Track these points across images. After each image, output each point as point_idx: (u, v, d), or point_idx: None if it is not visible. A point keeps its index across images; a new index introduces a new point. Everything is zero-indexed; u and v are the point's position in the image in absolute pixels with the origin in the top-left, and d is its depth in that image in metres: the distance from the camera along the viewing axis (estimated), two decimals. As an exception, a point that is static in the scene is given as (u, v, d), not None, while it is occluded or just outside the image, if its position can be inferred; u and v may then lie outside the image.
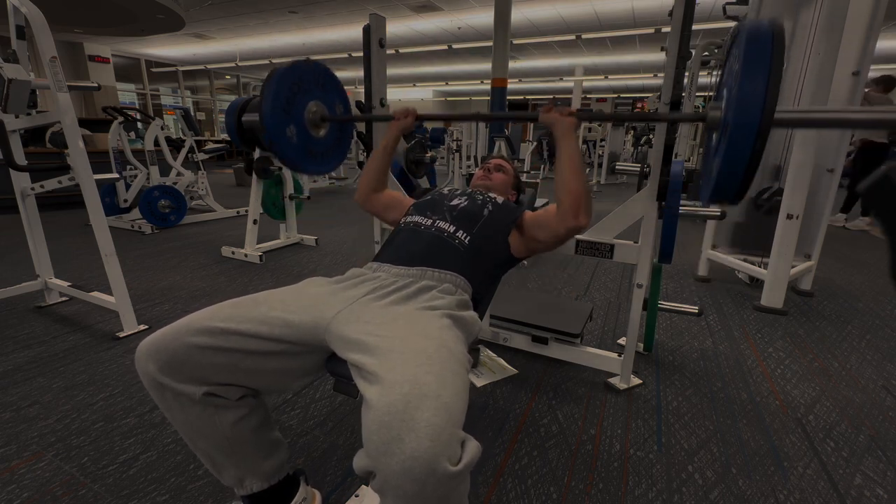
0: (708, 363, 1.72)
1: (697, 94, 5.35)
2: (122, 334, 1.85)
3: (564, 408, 1.42)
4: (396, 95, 17.23)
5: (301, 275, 2.75)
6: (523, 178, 4.32)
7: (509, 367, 1.65)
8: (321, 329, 0.79)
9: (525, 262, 2.92)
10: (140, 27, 7.55)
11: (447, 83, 16.21)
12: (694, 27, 1.14)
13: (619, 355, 1.53)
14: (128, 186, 4.19)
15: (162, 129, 4.10)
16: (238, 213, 4.54)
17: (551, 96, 16.73)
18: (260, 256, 2.98)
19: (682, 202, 1.37)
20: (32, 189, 2.00)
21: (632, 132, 10.09)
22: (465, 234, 1.04)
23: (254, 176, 3.08)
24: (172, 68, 12.48)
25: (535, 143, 7.69)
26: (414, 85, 16.88)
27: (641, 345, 1.76)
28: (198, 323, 0.78)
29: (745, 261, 2.54)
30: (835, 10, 1.93)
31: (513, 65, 11.01)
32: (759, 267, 2.40)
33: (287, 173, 3.33)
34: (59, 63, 1.65)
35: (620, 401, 1.46)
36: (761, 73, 0.75)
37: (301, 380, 0.89)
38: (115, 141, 3.99)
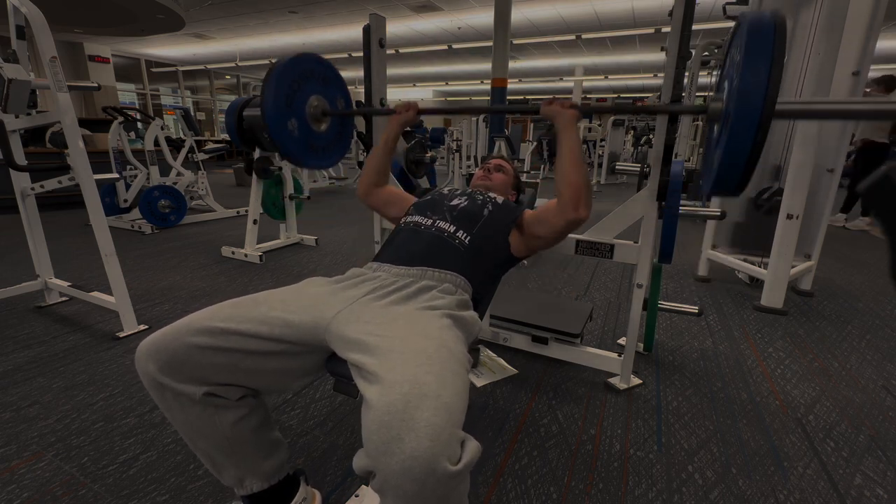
0: (708, 363, 1.72)
1: (697, 94, 5.34)
2: (122, 334, 1.85)
3: (564, 408, 1.42)
4: (396, 95, 17.23)
5: (301, 275, 2.75)
6: (523, 178, 4.32)
7: (509, 367, 1.65)
8: (321, 329, 0.79)
9: (525, 262, 2.92)
10: (140, 27, 7.56)
11: (447, 83, 16.21)
12: (694, 27, 1.14)
13: (619, 355, 1.53)
14: (128, 186, 4.19)
15: (162, 129, 4.10)
16: (238, 213, 4.54)
17: (551, 96, 16.68)
18: (260, 256, 2.98)
19: (682, 202, 1.37)
20: (32, 189, 2.00)
21: (632, 132, 10.09)
22: (465, 234, 1.04)
23: (254, 176, 3.08)
24: (172, 68, 12.48)
25: (535, 143, 7.69)
26: (414, 85, 16.88)
27: (641, 345, 1.76)
28: (198, 323, 0.78)
29: (745, 261, 2.54)
30: (835, 10, 1.93)
31: (513, 65, 11.01)
32: (759, 267, 2.40)
33: (287, 173, 3.33)
34: (59, 63, 1.65)
35: (620, 401, 1.46)
36: (763, 62, 0.75)
37: (301, 380, 0.89)
38: (115, 141, 3.99)
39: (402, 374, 0.63)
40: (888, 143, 4.07)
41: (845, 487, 1.12)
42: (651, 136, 7.56)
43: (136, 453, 1.19)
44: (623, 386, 1.52)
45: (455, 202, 1.14)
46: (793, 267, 2.26)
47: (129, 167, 4.24)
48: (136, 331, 1.89)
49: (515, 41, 9.10)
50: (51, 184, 1.93)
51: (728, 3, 2.97)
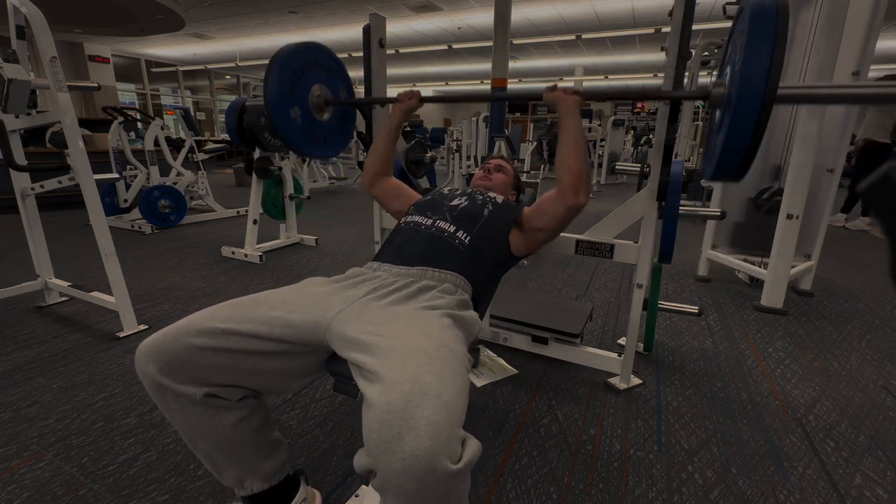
0: (708, 363, 1.72)
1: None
2: (122, 334, 1.85)
3: (564, 408, 1.42)
4: (396, 95, 17.20)
5: (301, 275, 2.75)
6: (523, 178, 4.31)
7: (509, 367, 1.65)
8: (322, 329, 0.79)
9: (525, 262, 2.92)
10: (140, 27, 7.55)
11: (447, 83, 16.22)
12: (694, 27, 1.14)
13: (619, 355, 1.53)
14: (128, 186, 4.19)
15: (162, 129, 4.10)
16: (238, 213, 4.54)
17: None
18: (260, 256, 2.98)
19: (682, 202, 1.37)
20: (32, 189, 2.00)
21: (632, 132, 10.09)
22: (465, 235, 1.04)
23: (254, 176, 3.08)
24: (172, 68, 12.48)
25: (535, 143, 7.69)
26: (414, 85, 16.87)
27: (641, 345, 1.76)
28: (198, 324, 0.77)
29: (745, 261, 2.54)
30: (835, 10, 1.93)
31: (513, 65, 11.02)
32: (759, 267, 2.40)
33: (287, 173, 3.33)
34: (59, 63, 1.65)
35: (620, 401, 1.46)
36: (765, 46, 0.76)
37: (301, 380, 0.89)
38: (115, 141, 3.99)
39: (403, 374, 0.63)
40: (890, 143, 4.06)
41: (845, 487, 1.12)
42: (651, 136, 7.55)
43: (136, 453, 1.19)
44: (623, 386, 1.52)
45: (455, 202, 1.14)
46: (793, 267, 2.26)
47: (129, 167, 4.24)
48: (136, 331, 1.89)
49: (515, 41, 9.10)
50: (51, 184, 1.93)
51: (728, 3, 2.98)
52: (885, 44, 8.00)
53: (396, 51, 10.20)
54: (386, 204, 1.36)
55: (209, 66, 13.01)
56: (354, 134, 1.79)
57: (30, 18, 1.60)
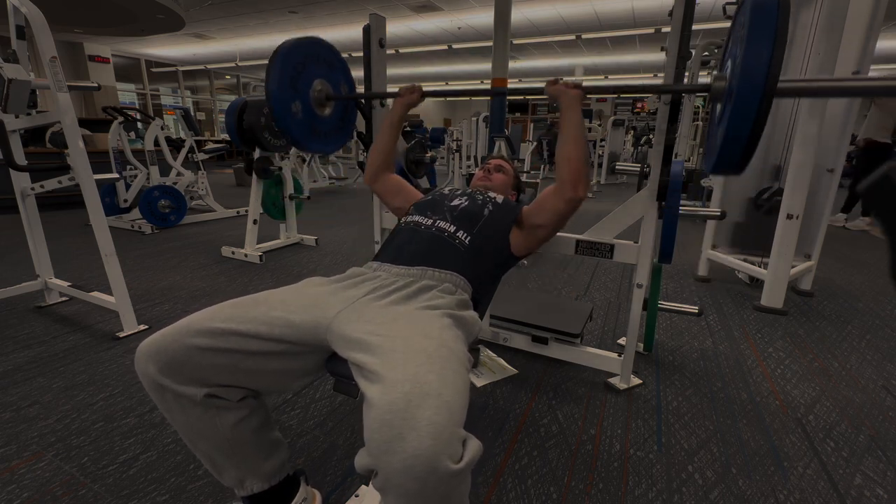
0: (708, 363, 1.72)
1: (697, 94, 5.33)
2: (122, 334, 1.85)
3: (564, 408, 1.42)
4: (396, 95, 17.18)
5: (301, 275, 2.75)
6: (523, 178, 4.31)
7: (509, 367, 1.65)
8: (322, 328, 0.79)
9: (525, 262, 2.92)
10: (140, 27, 7.55)
11: (447, 83, 16.20)
12: (694, 27, 1.14)
13: (619, 355, 1.53)
14: (128, 186, 4.19)
15: (162, 129, 4.10)
16: (238, 213, 4.54)
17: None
18: (260, 256, 2.98)
19: (682, 202, 1.37)
20: (32, 189, 2.00)
21: (632, 132, 10.09)
22: (465, 235, 1.04)
23: (254, 176, 3.08)
24: (172, 68, 12.47)
25: (535, 143, 7.69)
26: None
27: (641, 345, 1.76)
28: (198, 324, 0.77)
29: (745, 261, 2.54)
30: (835, 10, 1.93)
31: (513, 65, 11.01)
32: (759, 267, 2.40)
33: (287, 173, 3.33)
34: (59, 63, 1.65)
35: (620, 401, 1.46)
36: (766, 38, 0.76)
37: (301, 380, 0.89)
38: (115, 141, 3.99)
39: (404, 373, 0.63)
40: (891, 143, 4.06)
41: (845, 487, 1.12)
42: (651, 136, 7.55)
43: (136, 453, 1.19)
44: (623, 386, 1.52)
45: (455, 202, 1.14)
46: (793, 267, 2.26)
47: (129, 167, 4.24)
48: (136, 331, 1.89)
49: (515, 41, 9.09)
50: (51, 184, 1.93)
51: (728, 3, 2.98)
52: (885, 44, 8.00)
53: (396, 51, 10.20)
54: (387, 200, 1.36)
55: (209, 66, 13.00)
56: (354, 134, 1.79)
57: (30, 18, 1.60)
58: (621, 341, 1.79)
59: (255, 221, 3.08)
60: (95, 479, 1.09)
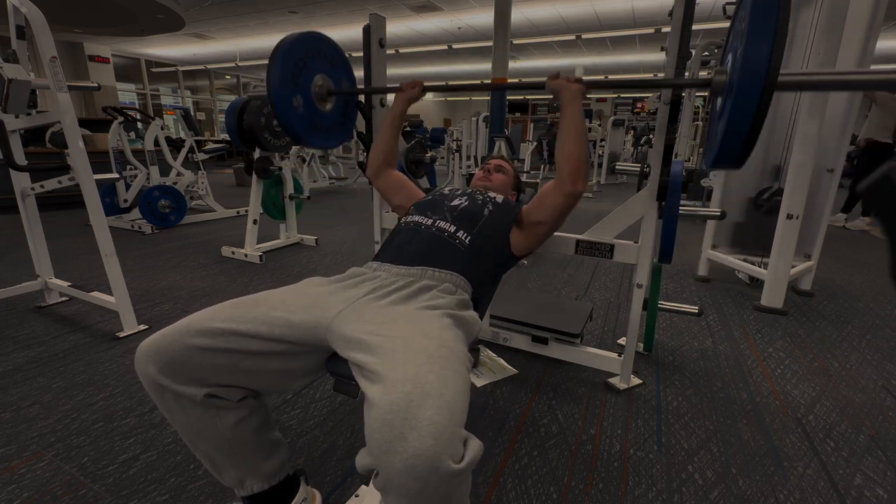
0: (708, 363, 1.72)
1: (697, 94, 5.34)
2: (122, 334, 1.85)
3: (564, 408, 1.42)
4: (396, 95, 17.18)
5: (301, 275, 2.75)
6: (523, 178, 4.31)
7: (509, 367, 1.65)
8: (322, 328, 0.79)
9: (525, 262, 2.92)
10: (140, 27, 7.55)
11: (447, 83, 16.21)
12: (694, 27, 1.14)
13: (619, 355, 1.53)
14: (128, 186, 4.19)
15: (162, 129, 4.10)
16: (238, 213, 4.54)
17: (551, 96, 16.71)
18: (260, 256, 2.98)
19: (682, 202, 1.37)
20: (32, 189, 2.00)
21: (632, 132, 10.09)
22: (465, 235, 1.04)
23: (254, 176, 3.08)
24: (172, 68, 12.47)
25: (535, 143, 7.69)
26: (414, 85, 16.83)
27: (641, 345, 1.76)
28: (198, 324, 0.77)
29: (745, 261, 2.54)
30: (835, 10, 1.93)
31: (513, 65, 11.00)
32: (759, 267, 2.40)
33: (287, 173, 3.33)
34: (59, 63, 1.65)
35: (620, 401, 1.46)
36: (766, 31, 0.77)
37: (301, 380, 0.89)
38: (115, 141, 3.99)
39: (405, 373, 0.63)
40: (892, 143, 4.06)
41: (845, 487, 1.12)
42: (651, 136, 7.55)
43: (136, 453, 1.19)
44: (623, 386, 1.52)
45: (455, 202, 1.14)
46: (793, 267, 2.26)
47: (129, 167, 4.24)
48: (136, 331, 1.89)
49: (515, 41, 9.09)
50: (51, 184, 1.93)
51: (728, 3, 2.98)
52: (885, 44, 8.00)
53: (396, 51, 10.20)
54: (389, 197, 1.37)
55: (209, 66, 13.01)
56: (354, 134, 1.79)
57: (30, 18, 1.60)
58: (621, 341, 1.79)
59: (255, 221, 3.08)
60: (95, 479, 1.09)
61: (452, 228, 1.05)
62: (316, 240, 3.47)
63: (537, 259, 3.05)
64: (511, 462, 1.18)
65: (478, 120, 6.41)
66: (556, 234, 1.39)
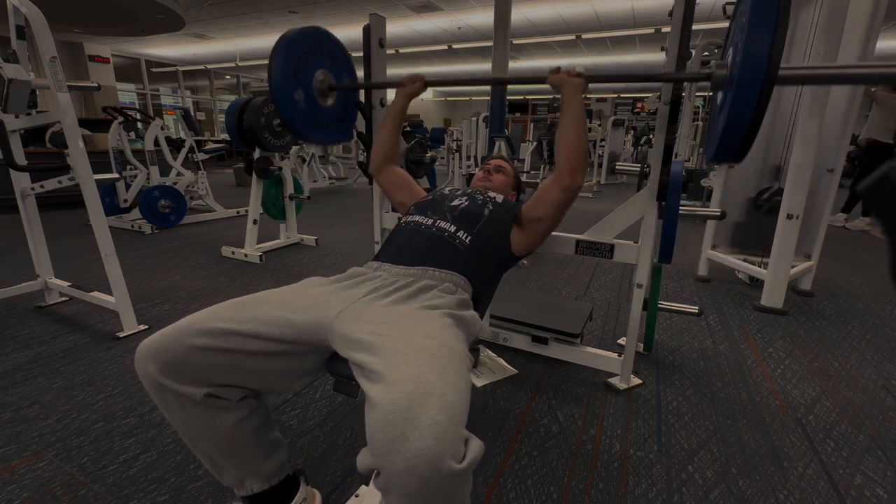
0: (708, 363, 1.72)
1: (697, 94, 5.35)
2: (122, 334, 1.85)
3: (564, 408, 1.42)
4: (396, 95, 17.18)
5: (301, 275, 2.74)
6: (523, 178, 4.30)
7: (509, 367, 1.65)
8: (323, 328, 0.79)
9: (525, 262, 2.92)
10: (140, 27, 7.55)
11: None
12: (694, 27, 1.14)
13: (619, 355, 1.53)
14: (128, 186, 4.19)
15: (162, 129, 4.10)
16: (238, 213, 4.54)
17: (551, 96, 16.75)
18: (260, 256, 2.98)
19: (682, 202, 1.37)
20: (32, 189, 2.00)
21: (632, 132, 10.08)
22: (465, 235, 1.04)
23: (254, 176, 3.08)
24: (172, 68, 12.47)
25: (535, 143, 7.69)
26: (414, 85, 16.82)
27: (641, 345, 1.76)
28: (198, 324, 0.77)
29: (745, 261, 2.54)
30: (835, 10, 1.93)
31: (513, 65, 10.99)
32: (759, 267, 2.40)
33: (287, 173, 3.33)
34: (59, 63, 1.65)
35: (620, 401, 1.46)
36: (767, 25, 0.77)
37: (301, 380, 0.89)
38: (115, 141, 3.99)
39: (406, 373, 0.63)
40: (893, 143, 4.06)
41: (845, 487, 1.12)
42: (651, 136, 7.55)
43: (136, 453, 1.19)
44: (623, 386, 1.52)
45: (456, 202, 1.14)
46: (793, 267, 2.26)
47: (129, 167, 4.24)
48: (136, 331, 1.89)
49: (515, 41, 9.09)
50: (51, 184, 1.93)
51: (728, 3, 2.97)
52: (885, 44, 8.00)
53: (396, 51, 10.20)
54: (391, 193, 1.37)
55: (209, 66, 13.00)
56: (354, 134, 1.79)
57: (30, 18, 1.60)
58: (621, 341, 1.79)
59: (255, 221, 3.08)
60: (95, 479, 1.09)
61: (453, 228, 1.05)
62: (316, 240, 3.47)
63: (537, 259, 3.05)
64: (511, 462, 1.18)
65: (478, 120, 6.41)
66: (556, 234, 1.39)
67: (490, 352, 1.75)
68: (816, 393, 1.54)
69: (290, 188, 3.37)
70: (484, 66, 11.22)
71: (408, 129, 5.64)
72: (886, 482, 1.14)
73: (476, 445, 0.60)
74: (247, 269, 2.80)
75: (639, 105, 15.68)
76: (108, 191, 4.09)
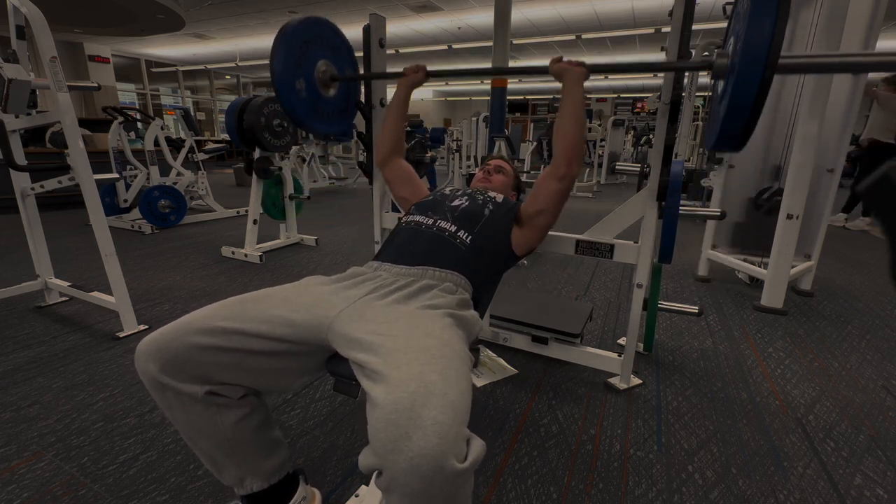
0: (708, 363, 1.72)
1: (697, 94, 5.35)
2: (122, 334, 1.85)
3: (564, 408, 1.42)
4: (396, 95, 17.17)
5: (301, 275, 2.74)
6: (523, 178, 4.31)
7: (509, 367, 1.65)
8: (323, 328, 0.79)
9: (525, 262, 2.92)
10: (140, 27, 7.55)
11: (447, 83, 16.20)
12: (694, 27, 1.14)
13: (619, 355, 1.53)
14: (128, 186, 4.19)
15: (162, 129, 4.10)
16: (238, 213, 4.54)
17: (551, 96, 16.75)
18: (260, 256, 2.98)
19: (682, 202, 1.37)
20: (32, 189, 2.00)
21: (632, 132, 10.08)
22: (466, 234, 1.04)
23: (254, 176, 3.08)
24: (172, 68, 12.47)
25: (535, 143, 7.69)
26: (414, 85, 16.83)
27: (641, 345, 1.76)
28: (199, 322, 0.77)
29: (745, 261, 2.54)
30: (835, 10, 1.93)
31: (513, 64, 11.02)
32: (759, 267, 2.40)
33: (287, 173, 3.33)
34: (59, 63, 1.65)
35: (620, 401, 1.46)
36: (768, 13, 0.77)
37: (302, 379, 0.89)
38: (115, 141, 3.99)
39: (408, 373, 0.63)
40: (894, 143, 4.05)
41: (845, 487, 1.12)
42: (651, 136, 7.55)
43: (136, 453, 1.19)
44: (623, 386, 1.52)
45: (456, 202, 1.14)
46: (793, 267, 2.26)
47: (129, 167, 4.24)
48: (136, 331, 1.89)
49: (515, 41, 9.09)
50: (51, 184, 1.93)
51: (728, 3, 2.98)
52: (885, 44, 8.00)
53: (396, 51, 10.20)
54: (395, 187, 1.37)
55: (209, 66, 13.00)
56: (354, 134, 1.79)
57: (30, 18, 1.60)
58: (621, 341, 1.79)
59: (255, 221, 3.08)
60: (95, 479, 1.09)
61: (453, 228, 1.05)
62: (316, 240, 3.47)
63: (537, 259, 3.05)
64: (511, 462, 1.18)
65: (478, 120, 6.41)
66: (556, 234, 1.39)
67: (490, 352, 1.75)
68: (816, 393, 1.54)
69: (290, 188, 3.37)
70: (484, 66, 11.22)
71: (408, 129, 5.63)
72: (886, 482, 1.14)
73: (478, 445, 0.60)
74: (247, 269, 2.80)
75: (639, 105, 15.68)
76: (108, 191, 4.09)
